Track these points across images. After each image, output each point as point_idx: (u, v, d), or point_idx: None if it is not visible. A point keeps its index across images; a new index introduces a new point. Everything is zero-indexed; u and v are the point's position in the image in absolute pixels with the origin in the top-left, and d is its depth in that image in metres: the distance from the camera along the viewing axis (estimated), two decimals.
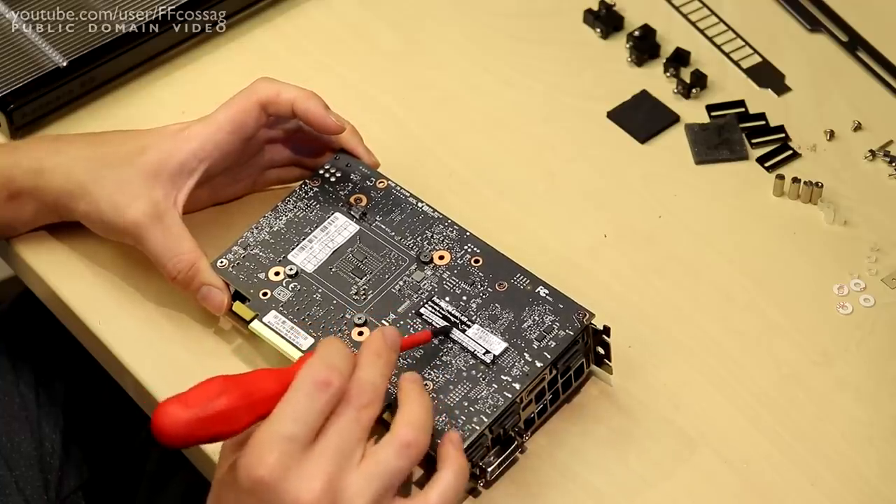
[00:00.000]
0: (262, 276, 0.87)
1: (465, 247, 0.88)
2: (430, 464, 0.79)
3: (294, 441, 0.72)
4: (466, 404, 0.81)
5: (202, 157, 0.88)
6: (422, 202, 0.90)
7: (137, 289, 0.91)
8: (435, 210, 0.90)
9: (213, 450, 0.84)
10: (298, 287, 0.87)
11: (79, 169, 0.88)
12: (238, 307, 0.87)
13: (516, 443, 0.82)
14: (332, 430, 0.74)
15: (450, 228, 0.89)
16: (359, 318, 0.85)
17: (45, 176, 0.89)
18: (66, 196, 0.89)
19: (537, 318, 0.84)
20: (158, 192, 0.87)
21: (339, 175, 0.92)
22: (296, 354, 0.84)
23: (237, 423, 0.74)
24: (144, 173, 0.87)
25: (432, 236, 0.89)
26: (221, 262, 0.88)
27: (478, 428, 0.80)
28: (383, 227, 0.89)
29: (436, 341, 0.84)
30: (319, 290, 0.87)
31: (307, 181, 0.92)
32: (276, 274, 0.87)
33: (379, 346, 0.77)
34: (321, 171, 0.92)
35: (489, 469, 0.81)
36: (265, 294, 0.87)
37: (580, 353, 0.84)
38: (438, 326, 0.84)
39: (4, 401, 1.04)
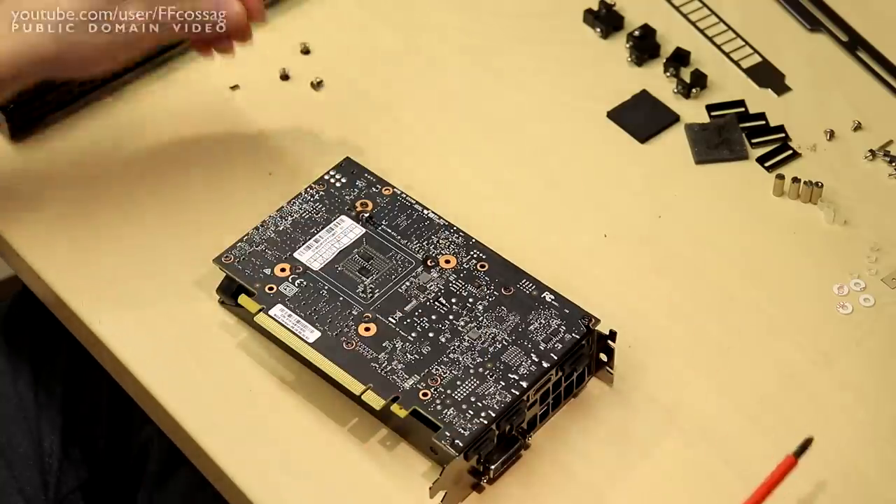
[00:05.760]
0: (267, 271, 0.87)
1: (471, 253, 0.88)
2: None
3: None
4: (474, 399, 0.81)
5: None
6: (427, 209, 0.90)
7: (137, 288, 0.91)
8: (440, 217, 0.90)
9: (214, 451, 0.84)
10: (304, 283, 0.87)
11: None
12: (244, 300, 0.86)
13: (519, 442, 0.82)
14: None
15: (455, 235, 0.89)
16: (366, 315, 0.85)
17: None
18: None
19: (544, 322, 0.84)
20: None
21: (344, 181, 0.92)
22: (302, 347, 0.84)
23: None
24: None
25: (438, 241, 0.89)
26: (227, 256, 0.88)
27: (485, 421, 0.80)
28: (389, 230, 0.89)
29: (443, 339, 0.84)
30: (326, 287, 0.87)
31: (313, 185, 0.92)
32: (282, 270, 0.87)
33: None
34: (327, 177, 0.92)
35: (492, 466, 0.81)
36: (271, 289, 0.86)
37: (585, 357, 0.84)
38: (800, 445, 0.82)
39: (3, 401, 1.04)
